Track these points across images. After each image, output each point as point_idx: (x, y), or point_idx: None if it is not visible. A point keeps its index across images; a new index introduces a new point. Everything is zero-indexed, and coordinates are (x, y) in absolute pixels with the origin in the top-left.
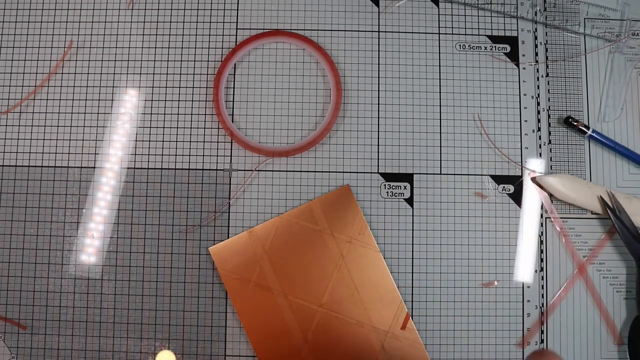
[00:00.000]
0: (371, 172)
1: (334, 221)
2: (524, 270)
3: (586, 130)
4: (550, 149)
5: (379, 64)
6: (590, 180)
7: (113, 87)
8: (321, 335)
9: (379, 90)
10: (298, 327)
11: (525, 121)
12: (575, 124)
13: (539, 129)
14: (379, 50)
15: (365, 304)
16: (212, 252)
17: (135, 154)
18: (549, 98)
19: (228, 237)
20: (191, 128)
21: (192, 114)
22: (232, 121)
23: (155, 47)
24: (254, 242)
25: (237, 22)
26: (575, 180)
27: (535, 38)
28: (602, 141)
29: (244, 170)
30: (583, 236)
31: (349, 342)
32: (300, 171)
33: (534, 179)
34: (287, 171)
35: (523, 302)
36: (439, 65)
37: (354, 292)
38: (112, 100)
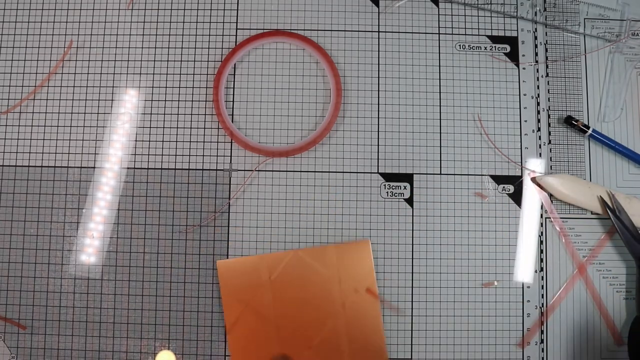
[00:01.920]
0: (371, 172)
1: (344, 270)
2: (524, 270)
3: (586, 130)
4: (550, 149)
5: (379, 64)
6: (590, 180)
7: (113, 87)
8: None
9: (379, 90)
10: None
11: (525, 121)
12: (575, 123)
13: (539, 129)
14: (379, 50)
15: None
16: (219, 266)
17: (135, 154)
18: (549, 98)
19: (228, 238)
20: (191, 128)
21: (192, 114)
22: (232, 121)
23: (155, 47)
24: (260, 269)
25: (237, 22)
26: (575, 180)
27: (535, 38)
28: (603, 140)
29: (244, 170)
30: (583, 236)
31: None
32: (300, 171)
33: (533, 179)
34: (287, 171)
35: (523, 302)
36: (439, 65)
37: (344, 345)
38: (112, 100)
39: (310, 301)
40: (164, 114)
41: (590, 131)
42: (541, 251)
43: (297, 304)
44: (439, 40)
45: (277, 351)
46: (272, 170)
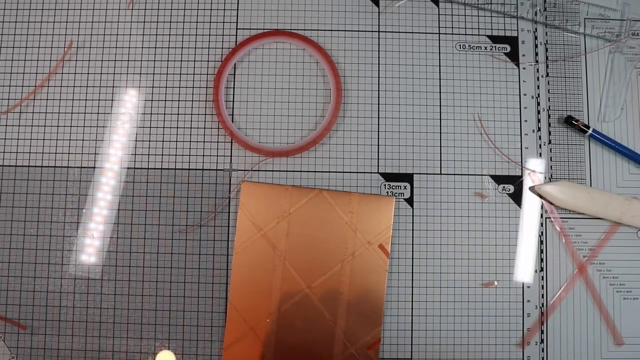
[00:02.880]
0: (371, 172)
1: (363, 220)
2: (524, 270)
3: (586, 130)
4: (550, 149)
5: (379, 64)
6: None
7: (113, 87)
8: (293, 313)
9: (379, 90)
10: (278, 294)
11: (525, 121)
12: (575, 123)
13: (539, 129)
14: (379, 50)
15: (348, 309)
16: (244, 186)
17: (135, 154)
18: (549, 98)
19: (228, 237)
20: (191, 128)
21: (192, 114)
22: (232, 121)
23: (155, 47)
24: (284, 198)
25: (237, 22)
26: (573, 186)
27: (535, 38)
28: (603, 140)
29: (244, 170)
30: (583, 236)
31: (313, 334)
32: (300, 171)
33: (532, 189)
34: (287, 171)
35: (523, 302)
36: (439, 65)
37: (344, 294)
38: (112, 100)
39: (322, 242)
40: (164, 114)
41: (590, 131)
42: (541, 251)
43: (309, 241)
44: (439, 40)
45: (277, 282)
46: (272, 170)
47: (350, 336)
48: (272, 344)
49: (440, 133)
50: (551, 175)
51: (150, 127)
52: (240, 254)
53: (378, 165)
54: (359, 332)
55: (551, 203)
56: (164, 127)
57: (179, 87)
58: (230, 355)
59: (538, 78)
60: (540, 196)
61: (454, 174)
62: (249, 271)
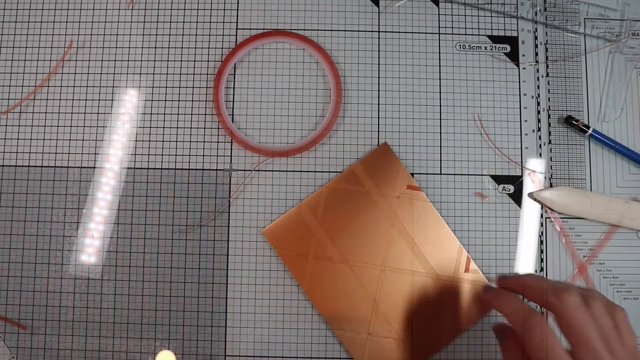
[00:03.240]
0: None
1: (379, 180)
2: (524, 270)
3: (586, 130)
4: (550, 149)
5: (379, 64)
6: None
7: (113, 87)
8: (389, 293)
9: (379, 90)
10: (365, 290)
11: (525, 121)
12: (575, 123)
13: (539, 129)
14: (379, 50)
15: (426, 255)
16: (266, 233)
17: (135, 154)
18: (549, 98)
19: (228, 238)
20: (191, 128)
21: (192, 114)
22: (232, 121)
23: (155, 47)
24: (305, 216)
25: (237, 22)
26: (572, 191)
27: (535, 38)
28: (603, 140)
29: (244, 170)
30: (583, 236)
31: (418, 294)
32: (300, 171)
33: (530, 195)
34: (287, 171)
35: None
36: (439, 65)
37: (414, 246)
38: (112, 100)
39: (363, 223)
40: (164, 113)
41: (590, 131)
42: (541, 251)
43: (353, 231)
44: (439, 40)
45: (357, 284)
46: (272, 170)
47: (446, 271)
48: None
49: (440, 133)
50: (551, 175)
51: (150, 127)
52: (311, 289)
53: None
54: (449, 264)
55: (551, 209)
56: (164, 127)
57: (179, 87)
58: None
59: (538, 78)
60: (539, 202)
61: (454, 174)
62: (329, 295)
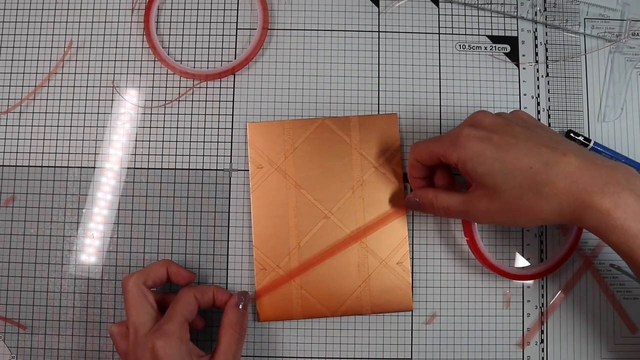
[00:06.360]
0: None
1: (367, 142)
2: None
3: (587, 144)
4: None
5: (379, 64)
6: None
7: (113, 87)
8: (318, 240)
9: (379, 90)
10: (300, 227)
11: None
12: (577, 138)
13: None
14: (379, 50)
15: (369, 228)
16: (250, 127)
17: (135, 154)
18: (549, 98)
19: (228, 238)
20: (191, 128)
21: (192, 114)
22: (168, 54)
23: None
24: (288, 134)
25: (237, 22)
26: None
27: (535, 38)
28: (605, 153)
29: (244, 170)
30: (583, 236)
31: (341, 258)
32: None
33: None
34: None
35: (523, 302)
36: (439, 66)
37: (363, 215)
38: (112, 100)
39: (331, 170)
40: (164, 114)
41: (591, 144)
42: (541, 251)
43: (320, 170)
44: (439, 40)
45: (296, 216)
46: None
47: (380, 252)
48: (300, 277)
49: (441, 133)
50: None
51: (150, 127)
52: (257, 192)
53: None
54: (386, 248)
55: None
56: (164, 127)
57: (179, 87)
58: (262, 303)
59: (538, 78)
60: None
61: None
62: (268, 206)
